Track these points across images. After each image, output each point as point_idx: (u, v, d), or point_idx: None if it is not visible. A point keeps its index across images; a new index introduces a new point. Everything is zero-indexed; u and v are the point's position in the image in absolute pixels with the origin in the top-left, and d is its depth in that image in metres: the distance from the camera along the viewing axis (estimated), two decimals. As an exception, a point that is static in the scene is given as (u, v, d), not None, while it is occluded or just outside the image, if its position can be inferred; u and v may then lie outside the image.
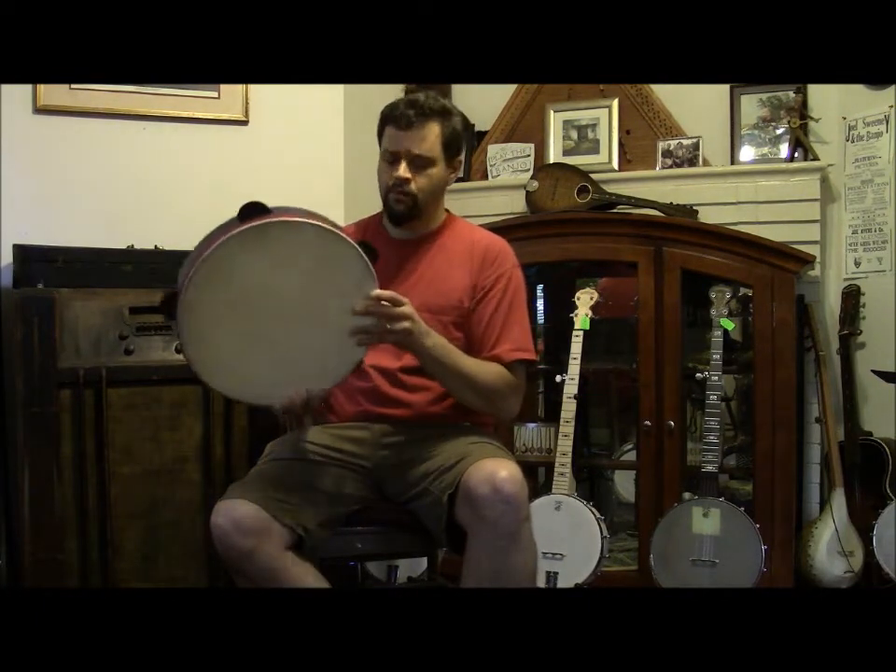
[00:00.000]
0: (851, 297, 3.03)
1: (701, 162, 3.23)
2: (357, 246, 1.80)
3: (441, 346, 1.94)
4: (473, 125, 3.56)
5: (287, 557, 1.87)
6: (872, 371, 2.91)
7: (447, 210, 2.18)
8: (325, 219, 1.83)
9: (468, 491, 1.81)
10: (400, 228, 2.10)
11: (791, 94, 3.15)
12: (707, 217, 3.11)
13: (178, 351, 2.66)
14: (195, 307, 1.77)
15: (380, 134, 2.08)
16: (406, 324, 1.84)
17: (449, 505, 1.87)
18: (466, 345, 2.05)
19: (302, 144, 3.32)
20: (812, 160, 3.11)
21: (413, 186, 2.03)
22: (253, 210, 1.76)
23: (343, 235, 1.81)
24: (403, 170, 2.02)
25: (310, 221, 1.79)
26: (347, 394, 2.10)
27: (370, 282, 1.82)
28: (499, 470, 1.80)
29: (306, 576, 1.88)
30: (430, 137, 2.02)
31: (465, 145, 2.13)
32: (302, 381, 1.86)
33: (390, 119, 2.03)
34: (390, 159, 2.04)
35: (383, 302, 1.81)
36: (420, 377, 2.04)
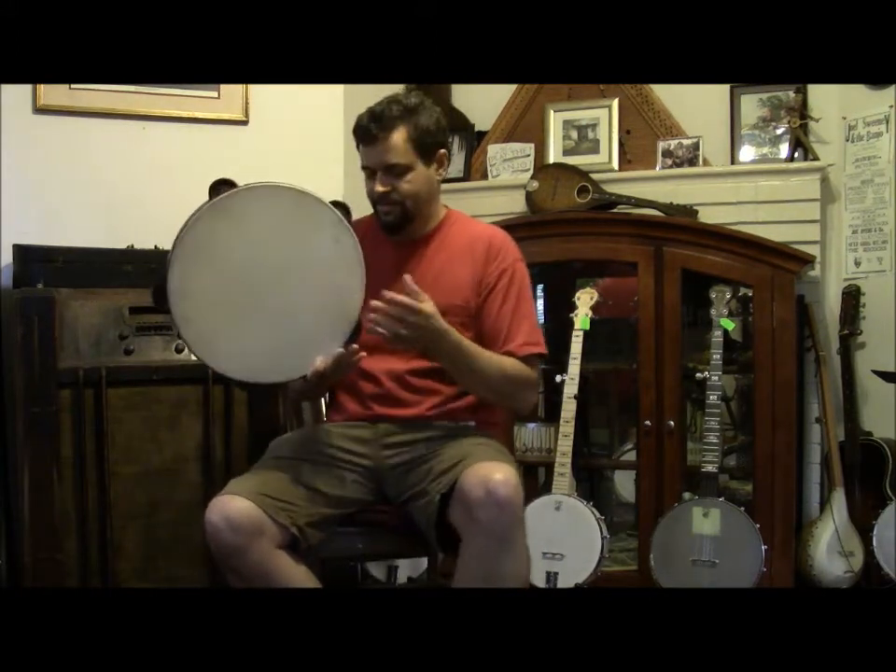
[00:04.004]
0: (851, 297, 3.03)
1: (701, 162, 3.23)
2: (322, 199, 1.87)
3: (456, 349, 1.92)
4: (473, 125, 3.56)
5: (279, 556, 1.86)
6: (872, 371, 2.91)
7: (445, 206, 2.16)
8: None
9: (462, 493, 1.80)
10: (397, 235, 2.09)
11: (791, 94, 3.15)
12: (707, 216, 3.11)
13: (179, 351, 2.68)
14: (183, 297, 1.81)
15: (358, 148, 2.08)
16: (415, 332, 1.84)
17: (442, 506, 1.87)
18: (476, 342, 2.03)
19: (302, 144, 3.31)
20: (812, 160, 3.10)
21: (395, 195, 2.01)
22: (220, 186, 1.82)
23: (306, 190, 1.87)
24: (380, 184, 2.01)
25: (265, 183, 1.86)
26: (354, 395, 2.09)
27: (346, 235, 1.88)
28: (494, 473, 1.78)
29: (297, 576, 1.88)
30: (398, 145, 1.98)
31: (444, 136, 2.07)
32: (306, 344, 1.87)
33: (357, 136, 2.02)
34: (367, 173, 2.04)
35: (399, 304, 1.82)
36: (429, 380, 2.03)
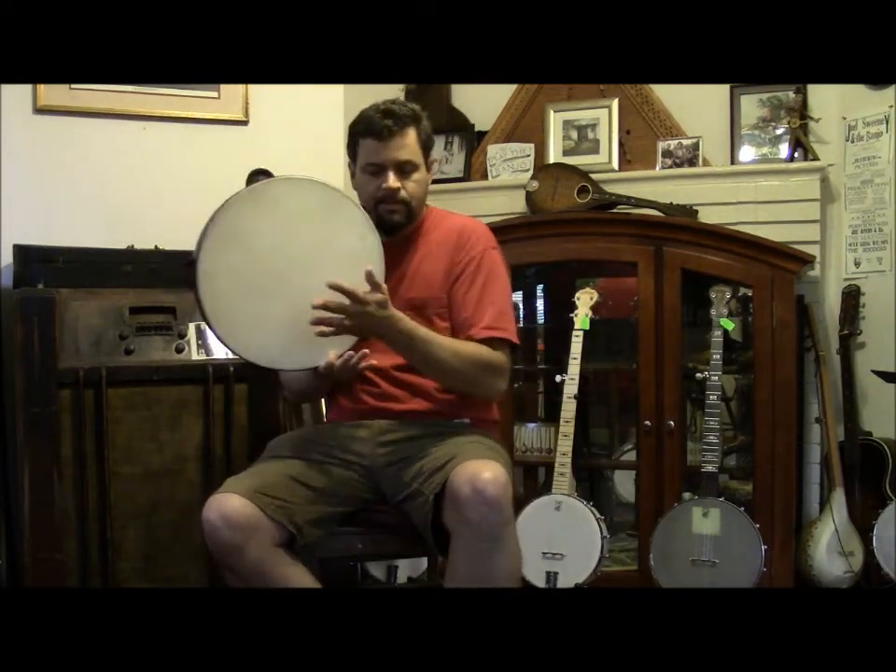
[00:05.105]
0: (851, 297, 3.03)
1: (701, 162, 3.24)
2: (351, 198, 1.93)
3: (407, 336, 1.92)
4: (473, 125, 3.57)
5: (276, 554, 1.87)
6: (872, 371, 2.91)
7: (426, 204, 2.17)
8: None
9: (451, 492, 1.80)
10: (394, 235, 2.08)
11: (791, 94, 3.15)
12: (707, 217, 3.11)
13: (179, 351, 2.68)
14: (210, 275, 1.85)
15: (352, 148, 2.07)
16: (360, 321, 1.85)
17: (436, 506, 1.87)
18: (451, 334, 2.05)
19: (302, 144, 3.31)
20: (812, 160, 3.11)
21: (404, 193, 2.02)
22: (258, 175, 1.85)
23: (337, 188, 1.93)
24: (393, 180, 2.01)
25: (301, 176, 1.91)
26: (349, 394, 2.10)
27: (371, 234, 1.92)
28: (482, 472, 1.78)
29: (294, 575, 1.88)
30: (411, 143, 2.02)
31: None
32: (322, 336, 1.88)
33: (368, 132, 2.01)
34: (374, 171, 2.03)
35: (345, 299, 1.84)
36: (415, 374, 2.04)
